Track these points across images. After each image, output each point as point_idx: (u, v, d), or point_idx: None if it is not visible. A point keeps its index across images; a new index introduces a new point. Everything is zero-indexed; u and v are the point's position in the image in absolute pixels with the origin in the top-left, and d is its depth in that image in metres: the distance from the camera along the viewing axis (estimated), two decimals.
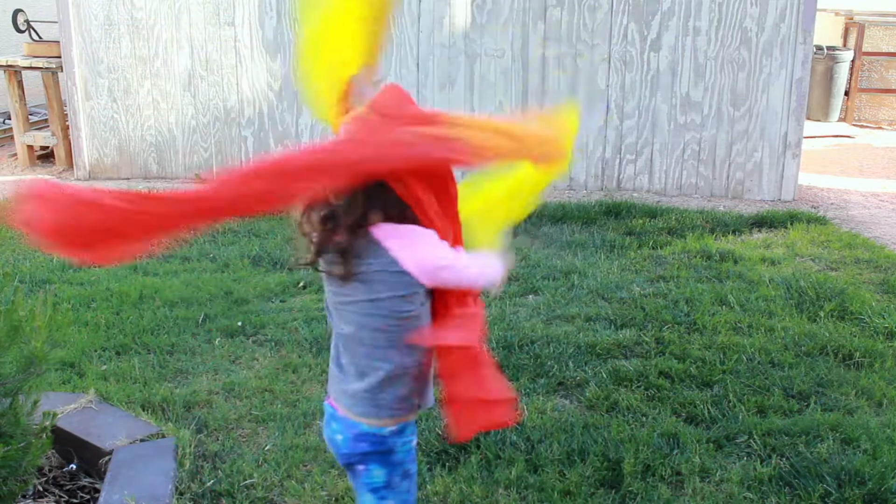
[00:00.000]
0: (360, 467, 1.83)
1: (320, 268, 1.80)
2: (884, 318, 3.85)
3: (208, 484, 2.63)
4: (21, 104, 7.05)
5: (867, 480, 2.63)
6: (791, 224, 5.42)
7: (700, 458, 2.78)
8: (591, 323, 3.86)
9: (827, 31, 9.39)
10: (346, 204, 1.68)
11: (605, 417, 3.04)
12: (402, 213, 1.69)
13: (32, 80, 7.33)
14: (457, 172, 1.77)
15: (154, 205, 1.54)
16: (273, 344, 3.64)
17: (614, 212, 5.62)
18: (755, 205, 6.04)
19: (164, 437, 2.82)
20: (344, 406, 1.81)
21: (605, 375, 3.33)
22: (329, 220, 1.71)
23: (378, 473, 1.82)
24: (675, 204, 5.98)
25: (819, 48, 8.80)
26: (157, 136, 6.62)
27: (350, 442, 1.81)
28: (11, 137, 7.37)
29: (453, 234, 1.77)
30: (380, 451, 1.81)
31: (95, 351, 3.53)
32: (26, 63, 6.91)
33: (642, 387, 3.26)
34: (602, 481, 2.66)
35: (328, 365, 1.88)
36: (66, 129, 6.87)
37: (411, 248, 1.70)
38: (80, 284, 4.28)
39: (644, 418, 3.04)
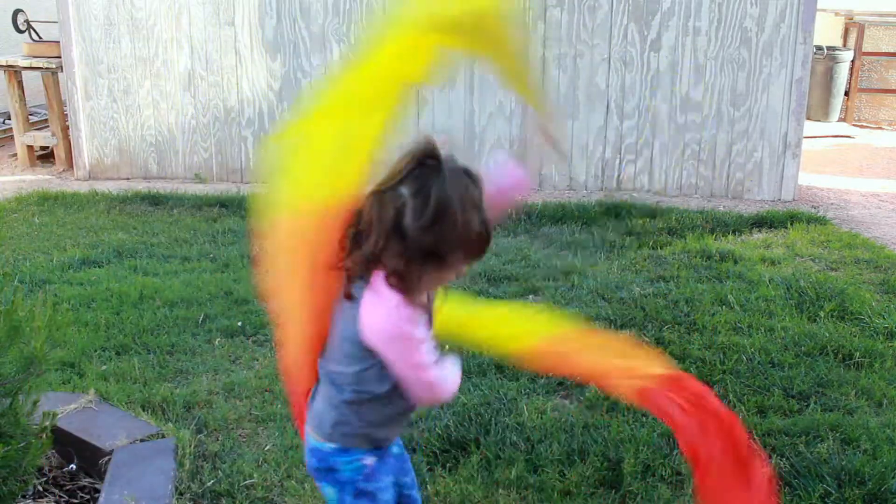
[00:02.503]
0: (318, 485, 1.84)
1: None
2: (884, 318, 3.85)
3: (208, 484, 2.64)
4: (21, 104, 7.05)
5: (867, 480, 2.63)
6: (791, 224, 5.42)
7: None
8: (591, 323, 3.86)
9: (827, 31, 9.39)
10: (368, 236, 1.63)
11: (605, 417, 3.04)
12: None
13: (32, 80, 7.33)
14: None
15: None
16: (273, 344, 3.64)
17: (614, 212, 5.62)
18: (755, 205, 6.04)
19: (164, 437, 2.82)
20: (308, 421, 1.84)
21: None
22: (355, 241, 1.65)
23: (329, 492, 1.81)
24: (675, 204, 5.98)
25: (819, 48, 8.80)
26: (157, 136, 6.62)
27: (306, 456, 1.84)
28: (11, 137, 7.37)
29: None
30: (325, 468, 1.80)
31: (95, 351, 3.53)
32: (26, 63, 6.91)
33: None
34: (602, 481, 2.66)
35: None
36: (66, 129, 6.87)
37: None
38: (80, 284, 4.28)
39: (644, 418, 3.04)
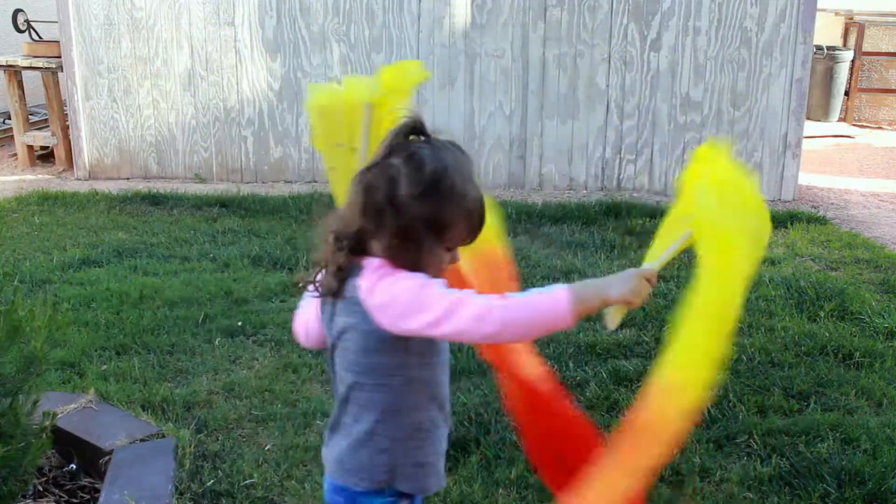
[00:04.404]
0: None
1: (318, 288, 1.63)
2: (884, 318, 3.85)
3: (208, 484, 2.63)
4: (21, 104, 7.05)
5: (867, 480, 2.63)
6: (791, 224, 5.42)
7: (700, 458, 2.77)
8: (591, 323, 3.86)
9: (827, 31, 9.39)
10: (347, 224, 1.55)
11: (605, 417, 3.04)
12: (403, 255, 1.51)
13: (32, 80, 7.33)
14: None
15: None
16: (273, 344, 3.64)
17: (614, 212, 5.62)
18: None
19: (164, 437, 2.82)
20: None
21: (605, 375, 3.33)
22: (338, 239, 1.57)
23: None
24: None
25: (819, 48, 8.79)
26: (157, 135, 6.62)
27: (329, 493, 1.71)
28: (11, 137, 7.37)
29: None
30: None
31: (95, 351, 3.53)
32: (26, 63, 6.91)
33: (642, 387, 3.25)
34: None
35: (329, 366, 1.83)
36: (66, 129, 6.87)
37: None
38: (80, 284, 4.28)
39: None
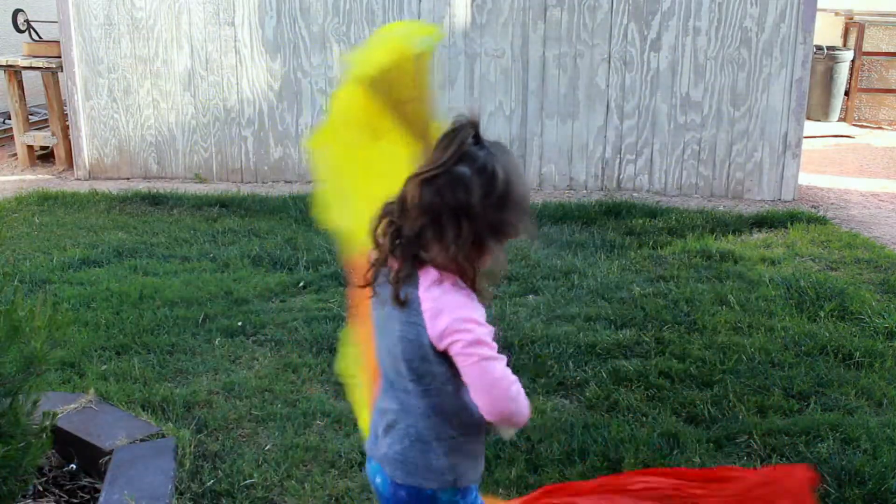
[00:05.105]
0: None
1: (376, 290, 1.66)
2: (884, 318, 3.85)
3: (208, 484, 2.64)
4: (21, 104, 7.05)
5: (867, 480, 2.63)
6: (791, 224, 5.42)
7: (700, 458, 2.77)
8: (591, 323, 3.86)
9: (827, 31, 9.39)
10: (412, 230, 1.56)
11: (605, 417, 3.04)
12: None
13: (32, 80, 7.33)
14: None
15: None
16: (273, 344, 3.64)
17: (614, 212, 5.62)
18: (755, 205, 6.04)
19: (164, 437, 2.82)
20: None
21: (605, 375, 3.33)
22: (396, 235, 1.59)
23: None
24: (675, 204, 5.98)
25: (819, 48, 8.79)
26: (157, 135, 6.62)
27: (386, 487, 1.73)
28: (11, 137, 7.37)
29: None
30: None
31: (95, 351, 3.53)
32: (26, 63, 6.91)
33: (642, 387, 3.26)
34: None
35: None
36: (66, 128, 6.87)
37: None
38: (80, 284, 4.28)
39: (644, 418, 3.04)
